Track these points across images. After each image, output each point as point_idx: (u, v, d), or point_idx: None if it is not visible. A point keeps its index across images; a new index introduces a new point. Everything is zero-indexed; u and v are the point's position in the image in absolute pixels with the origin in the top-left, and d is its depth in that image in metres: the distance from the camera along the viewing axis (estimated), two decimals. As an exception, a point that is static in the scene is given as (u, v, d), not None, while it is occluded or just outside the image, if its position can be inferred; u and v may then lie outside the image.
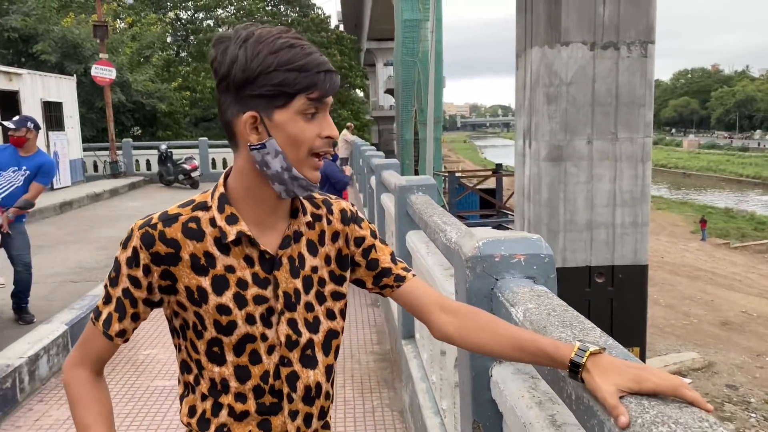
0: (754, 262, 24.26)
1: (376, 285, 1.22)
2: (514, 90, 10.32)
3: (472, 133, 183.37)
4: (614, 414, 0.86)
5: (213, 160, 18.00)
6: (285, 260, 1.10)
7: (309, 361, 1.12)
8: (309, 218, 1.14)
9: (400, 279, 1.21)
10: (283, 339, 1.09)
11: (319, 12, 31.80)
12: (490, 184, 21.39)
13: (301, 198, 1.14)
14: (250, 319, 1.06)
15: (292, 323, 1.10)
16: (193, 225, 1.06)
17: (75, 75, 16.35)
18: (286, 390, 1.10)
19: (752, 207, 41.25)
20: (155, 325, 5.29)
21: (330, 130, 1.04)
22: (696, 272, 21.39)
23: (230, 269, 1.06)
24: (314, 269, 1.13)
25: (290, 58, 0.98)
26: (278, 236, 1.10)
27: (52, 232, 9.56)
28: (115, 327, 1.09)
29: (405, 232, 3.72)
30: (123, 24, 25.15)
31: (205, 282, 1.05)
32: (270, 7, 30.17)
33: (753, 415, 10.92)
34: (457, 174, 21.73)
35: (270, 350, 1.08)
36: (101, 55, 16.11)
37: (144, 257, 1.04)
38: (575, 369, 0.96)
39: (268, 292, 1.08)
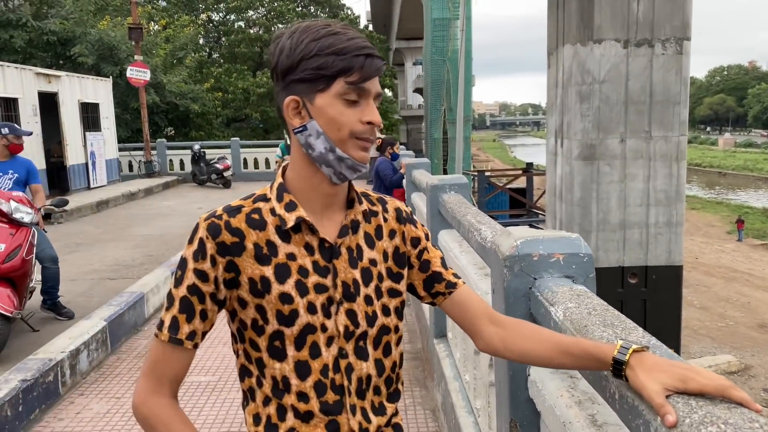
0: (793, 263, 23.57)
1: (428, 292, 1.22)
2: (546, 88, 10.22)
3: (501, 131, 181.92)
4: (661, 413, 0.85)
5: (245, 159, 18.22)
6: (344, 250, 1.10)
7: (361, 353, 1.11)
8: (366, 208, 1.15)
9: (452, 286, 1.21)
10: (341, 329, 1.08)
11: (349, 12, 31.96)
12: (520, 183, 21.21)
13: (357, 190, 1.16)
14: (311, 308, 1.06)
15: (350, 314, 1.09)
16: (255, 215, 1.08)
17: (111, 76, 16.72)
18: (346, 383, 1.09)
19: (791, 207, 40.09)
20: (190, 322, 5.39)
21: (372, 115, 1.04)
22: (732, 273, 20.89)
23: (291, 257, 1.06)
24: (372, 262, 1.14)
25: (331, 42, 1.01)
26: (335, 226, 1.11)
27: (89, 230, 9.79)
28: (184, 329, 1.05)
29: (437, 232, 3.73)
30: (157, 26, 25.61)
31: (268, 271, 1.05)
32: (300, 8, 30.41)
33: (792, 420, 10.64)
34: (486, 173, 21.60)
35: (329, 342, 1.07)
36: (136, 57, 16.45)
37: (210, 247, 1.04)
38: (618, 367, 0.96)
39: (328, 281, 1.08)
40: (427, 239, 1.24)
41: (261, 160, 18.19)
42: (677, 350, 8.71)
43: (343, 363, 1.09)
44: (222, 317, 1.13)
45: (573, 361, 1.07)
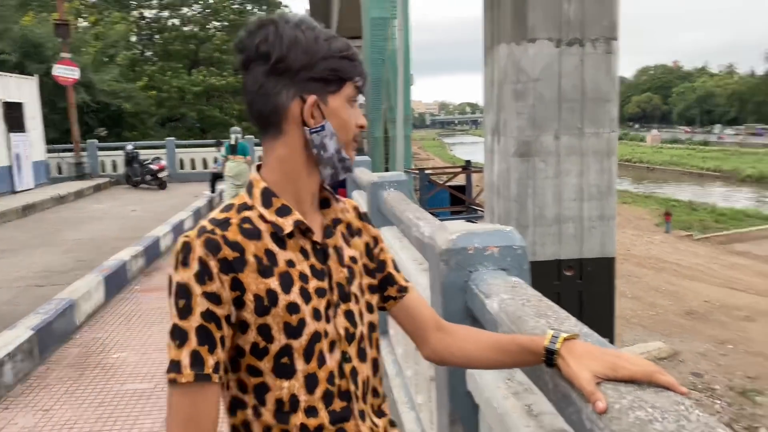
0: (715, 253, 24.89)
1: (381, 294, 1.20)
2: (483, 87, 10.37)
3: (441, 130, 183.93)
4: (591, 400, 0.87)
5: (181, 160, 17.75)
6: (331, 250, 1.08)
7: (363, 355, 1.09)
8: (341, 206, 1.14)
9: (403, 290, 1.20)
10: (342, 332, 1.05)
11: (287, 10, 31.61)
12: (460, 180, 21.52)
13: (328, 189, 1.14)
14: (316, 315, 1.02)
15: (348, 315, 1.07)
16: (247, 225, 1.01)
17: (36, 75, 15.94)
18: (353, 388, 1.06)
19: (713, 199, 42.37)
20: (125, 328, 5.20)
21: (362, 119, 1.08)
22: (661, 264, 21.86)
23: (291, 264, 1.02)
24: (353, 260, 1.12)
25: (341, 47, 1.03)
26: (318, 227, 1.08)
27: (15, 236, 9.31)
28: (210, 361, 0.93)
29: (378, 229, 3.73)
30: (86, 23, 24.61)
31: (274, 282, 0.99)
32: (236, 6, 29.85)
33: (717, 401, 11.22)
34: (427, 171, 21.81)
35: (331, 347, 1.04)
36: (63, 55, 15.73)
37: (214, 266, 0.94)
38: (550, 356, 0.97)
39: (326, 284, 1.05)
40: (381, 240, 1.23)
41: (198, 160, 17.76)
42: (612, 339, 9.03)
43: (347, 367, 1.06)
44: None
45: (511, 358, 1.09)
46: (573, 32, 8.82)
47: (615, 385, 0.89)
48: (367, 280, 1.15)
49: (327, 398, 1.03)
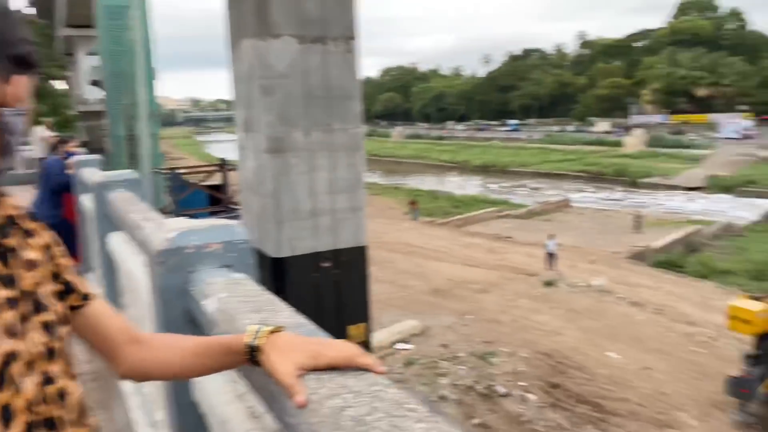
0: (455, 235, 28.01)
1: (60, 301, 1.02)
2: (233, 83, 10.14)
3: (194, 128, 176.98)
4: (290, 394, 0.83)
5: None
6: (12, 252, 0.90)
7: (68, 372, 0.92)
8: (11, 202, 0.95)
9: (85, 297, 1.04)
10: (42, 348, 0.87)
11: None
12: (217, 179, 20.92)
13: None
14: (9, 331, 0.83)
15: (46, 327, 0.89)
16: None
17: None
18: (57, 413, 0.88)
19: (450, 188, 47.68)
20: None
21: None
22: (410, 248, 23.87)
23: None
24: (36, 263, 0.94)
25: (29, 32, 0.91)
26: None
27: None
28: None
29: (106, 235, 3.37)
30: None
31: None
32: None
33: (462, 367, 12.63)
34: (178, 171, 20.76)
35: (30, 368, 0.85)
36: None
37: None
38: (252, 353, 0.91)
39: (15, 292, 0.87)
40: (58, 242, 1.05)
41: None
42: (369, 323, 9.54)
43: (52, 390, 0.88)
44: None
45: (216, 361, 1.00)
46: (315, 30, 9.05)
47: (318, 375, 0.86)
48: (53, 287, 0.98)
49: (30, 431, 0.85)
